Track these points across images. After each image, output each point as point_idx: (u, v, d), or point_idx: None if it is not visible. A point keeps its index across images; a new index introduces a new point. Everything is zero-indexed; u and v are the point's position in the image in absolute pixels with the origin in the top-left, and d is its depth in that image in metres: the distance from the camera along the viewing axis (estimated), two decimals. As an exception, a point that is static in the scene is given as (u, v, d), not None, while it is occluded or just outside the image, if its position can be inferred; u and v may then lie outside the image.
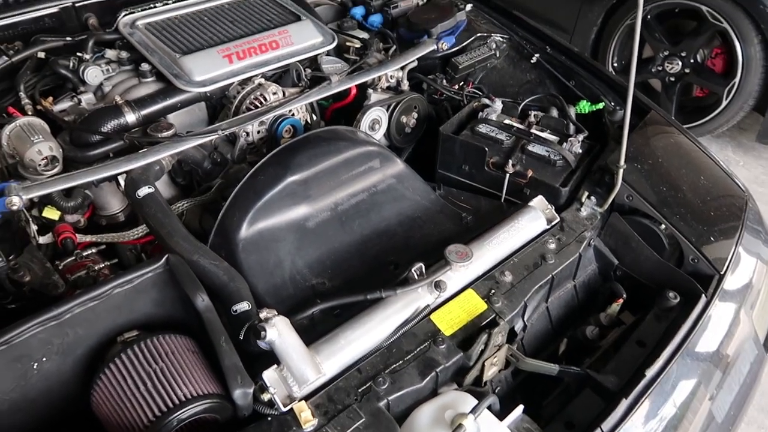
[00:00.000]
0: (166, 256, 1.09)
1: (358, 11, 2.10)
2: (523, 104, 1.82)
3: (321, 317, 1.21)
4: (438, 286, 1.21)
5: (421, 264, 1.23)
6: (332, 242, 1.38)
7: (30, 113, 1.48)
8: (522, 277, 1.30)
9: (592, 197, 1.51)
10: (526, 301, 1.28)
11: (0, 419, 0.99)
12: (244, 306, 1.15)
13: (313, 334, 1.13)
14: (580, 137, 1.64)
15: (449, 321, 1.19)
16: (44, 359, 1.02)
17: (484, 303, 1.24)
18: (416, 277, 1.22)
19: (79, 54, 1.60)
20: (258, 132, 1.58)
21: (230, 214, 1.31)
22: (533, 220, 1.41)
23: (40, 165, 1.32)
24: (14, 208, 1.18)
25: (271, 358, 1.07)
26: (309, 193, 1.37)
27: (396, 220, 1.46)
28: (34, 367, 1.01)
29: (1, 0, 1.71)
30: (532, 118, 1.72)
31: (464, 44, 1.95)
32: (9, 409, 1.00)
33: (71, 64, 1.59)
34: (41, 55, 1.63)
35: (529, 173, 1.54)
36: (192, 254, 1.19)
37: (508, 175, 1.55)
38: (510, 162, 1.55)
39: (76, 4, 1.76)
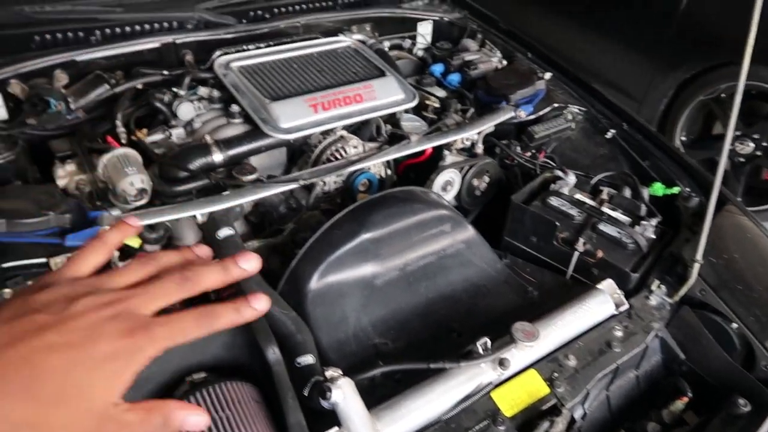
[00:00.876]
0: (243, 303, 1.12)
1: (438, 68, 2.15)
2: (595, 180, 1.81)
3: (382, 380, 1.21)
4: (502, 363, 1.20)
5: (487, 339, 1.22)
6: (398, 302, 1.39)
7: (124, 141, 1.56)
8: (586, 363, 1.28)
9: (662, 286, 1.48)
10: (589, 389, 1.25)
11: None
12: (308, 359, 1.17)
13: (373, 396, 1.13)
14: (654, 221, 1.62)
15: (510, 401, 1.18)
16: (117, 391, 1.05)
17: (547, 386, 1.22)
18: (481, 351, 1.21)
19: (174, 89, 1.69)
20: (335, 182, 1.63)
21: (303, 264, 1.34)
22: (601, 303, 1.39)
23: (130, 196, 1.39)
24: (105, 238, 1.24)
25: (329, 416, 1.07)
26: (380, 251, 1.39)
27: (462, 286, 1.47)
28: (108, 398, 1.04)
29: (109, 32, 1.83)
30: (604, 196, 1.71)
31: (541, 113, 1.97)
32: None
33: (166, 98, 1.67)
34: (139, 86, 1.73)
35: (599, 253, 1.52)
36: (264, 301, 1.22)
37: (577, 252, 1.54)
38: (581, 240, 1.54)
39: (176, 41, 1.86)
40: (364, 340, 1.32)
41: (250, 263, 0.70)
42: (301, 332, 1.21)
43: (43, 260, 1.20)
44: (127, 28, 1.86)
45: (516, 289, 1.51)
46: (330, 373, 1.08)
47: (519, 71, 2.08)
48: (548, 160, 1.90)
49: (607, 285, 1.43)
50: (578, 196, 1.70)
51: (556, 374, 1.24)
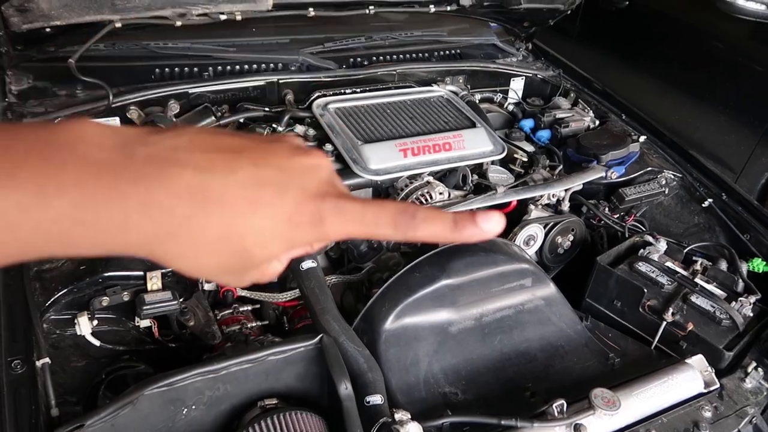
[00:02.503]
0: (321, 336, 1.14)
1: (527, 124, 2.16)
2: (688, 249, 1.73)
3: (449, 430, 1.18)
4: (578, 429, 1.14)
5: (563, 401, 1.17)
6: (471, 353, 1.36)
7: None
8: (669, 442, 1.20)
9: (760, 369, 1.37)
10: (671, 470, 1.17)
11: (142, 454, 1.06)
12: (377, 399, 1.16)
13: (439, 446, 1.11)
14: (752, 299, 1.52)
15: (583, 471, 1.12)
16: (193, 407, 1.08)
17: (625, 460, 1.15)
18: (556, 414, 1.16)
19: (274, 125, 1.78)
20: (417, 226, 1.64)
21: (380, 303, 1.35)
22: (689, 380, 1.31)
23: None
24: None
25: (393, 460, 1.06)
26: (458, 298, 1.37)
27: (538, 344, 1.42)
28: (184, 412, 1.08)
29: (220, 69, 1.97)
30: (697, 266, 1.62)
31: (633, 176, 1.92)
32: (151, 446, 1.07)
33: (265, 133, 1.76)
34: (241, 120, 1.84)
35: (690, 326, 1.44)
36: (339, 335, 1.23)
37: (665, 323, 1.46)
38: (670, 309, 1.46)
39: (280, 81, 1.98)
40: (434, 386, 1.30)
41: (490, 223, 0.50)
42: (373, 371, 1.21)
43: (140, 273, 1.28)
44: (237, 67, 2.00)
45: (596, 354, 1.45)
46: (399, 416, 1.07)
47: (612, 132, 2.04)
48: (638, 224, 1.84)
49: (697, 360, 1.34)
50: (669, 264, 1.63)
51: (635, 449, 1.17)
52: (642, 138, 2.04)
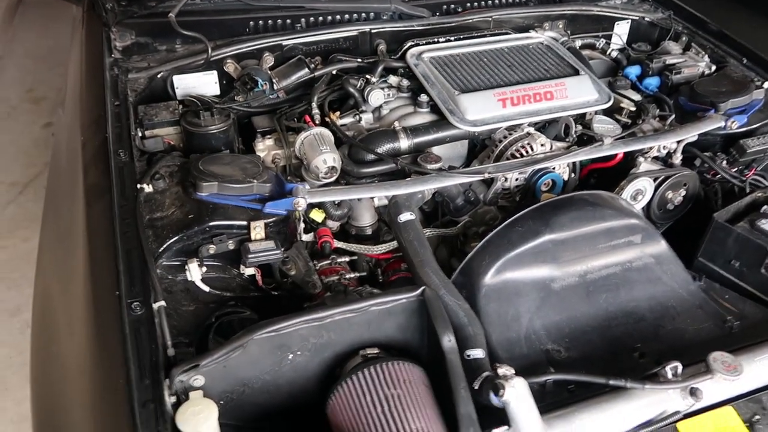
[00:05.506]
0: (423, 288, 1.12)
1: (633, 71, 2.01)
2: (818, 206, 1.56)
3: (553, 388, 1.15)
4: (694, 393, 1.08)
5: (678, 363, 1.11)
6: (574, 310, 1.31)
7: (317, 122, 1.65)
8: (797, 412, 1.11)
9: None
10: (798, 442, 1.08)
11: (251, 395, 1.10)
12: (478, 353, 1.14)
13: (542, 403, 1.07)
14: None
15: (699, 437, 1.06)
16: (298, 353, 1.11)
17: (746, 428, 1.07)
18: (670, 376, 1.10)
19: (367, 76, 1.75)
20: (516, 179, 1.58)
21: (480, 257, 1.31)
22: (821, 347, 1.20)
23: (322, 172, 1.46)
24: (299, 208, 1.33)
25: (496, 414, 1.04)
26: (562, 254, 1.32)
27: (647, 304, 1.35)
28: (289, 357, 1.10)
29: (312, 20, 1.95)
30: (830, 225, 1.47)
31: (756, 126, 1.75)
32: (260, 388, 1.11)
33: (359, 84, 1.74)
34: (334, 71, 1.82)
35: (821, 290, 1.32)
36: (439, 288, 1.22)
37: (791, 285, 1.34)
38: (797, 271, 1.34)
39: (372, 30, 1.93)
40: (535, 343, 1.26)
41: None
42: (473, 325, 1.19)
43: (244, 223, 1.31)
44: (329, 17, 1.97)
45: (711, 316, 1.36)
46: (503, 370, 1.04)
47: (731, 78, 1.86)
48: (760, 178, 1.68)
49: (830, 327, 1.23)
50: (796, 221, 1.48)
51: (757, 417, 1.09)
52: (767, 84, 1.85)
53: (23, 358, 1.43)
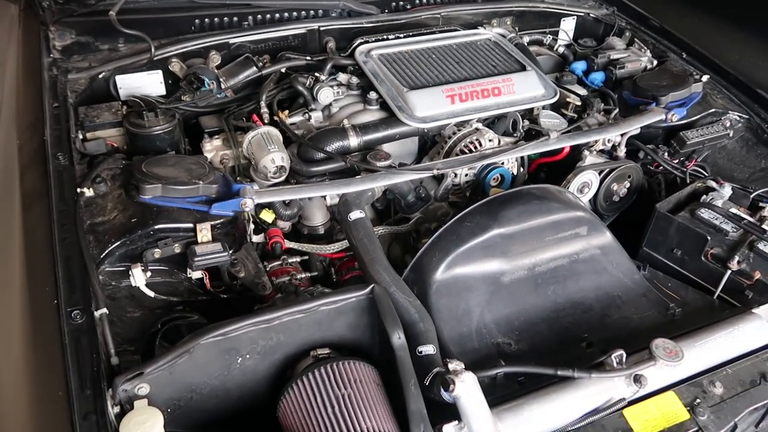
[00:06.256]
0: (372, 285, 1.12)
1: (579, 66, 2.05)
2: (754, 194, 1.63)
3: (503, 380, 1.17)
4: (638, 380, 1.11)
5: (623, 351, 1.14)
6: (524, 303, 1.33)
7: (266, 121, 1.63)
8: (735, 393, 1.15)
9: (833, 319, 1.30)
10: (737, 422, 1.12)
11: (199, 401, 1.08)
12: (429, 349, 1.15)
13: (493, 396, 1.09)
14: (826, 246, 1.42)
15: (643, 422, 1.09)
16: (247, 356, 1.09)
17: (687, 412, 1.11)
18: (615, 364, 1.13)
19: (316, 74, 1.73)
20: (466, 175, 1.59)
21: (430, 253, 1.32)
22: (757, 330, 1.25)
23: (270, 172, 1.44)
24: (247, 209, 1.30)
25: (447, 409, 1.05)
26: (510, 248, 1.34)
27: (593, 294, 1.38)
28: (238, 361, 1.09)
29: (259, 18, 1.92)
30: (765, 213, 1.53)
31: (695, 118, 1.81)
32: (208, 394, 1.09)
33: (308, 82, 1.72)
34: (283, 70, 1.80)
35: (756, 275, 1.37)
36: (390, 286, 1.22)
37: (729, 271, 1.39)
38: (735, 258, 1.39)
39: (321, 28, 1.92)
40: (486, 337, 1.28)
41: None
42: (424, 321, 1.20)
43: (190, 225, 1.28)
44: (277, 15, 1.94)
45: (655, 303, 1.40)
46: (453, 366, 1.05)
47: (672, 72, 1.92)
48: (699, 169, 1.74)
49: (765, 310, 1.28)
50: (734, 210, 1.54)
51: (698, 401, 1.12)
52: (705, 77, 1.91)
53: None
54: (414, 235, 1.60)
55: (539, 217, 1.36)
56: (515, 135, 1.67)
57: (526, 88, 1.71)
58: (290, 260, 1.44)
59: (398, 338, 1.07)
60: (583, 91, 1.91)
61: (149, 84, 1.75)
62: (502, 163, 1.60)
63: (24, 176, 1.36)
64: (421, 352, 1.14)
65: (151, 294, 1.23)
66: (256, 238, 1.48)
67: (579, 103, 1.80)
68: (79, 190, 1.29)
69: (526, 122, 1.68)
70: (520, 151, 1.55)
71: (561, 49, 2.16)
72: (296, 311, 1.08)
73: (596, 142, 1.68)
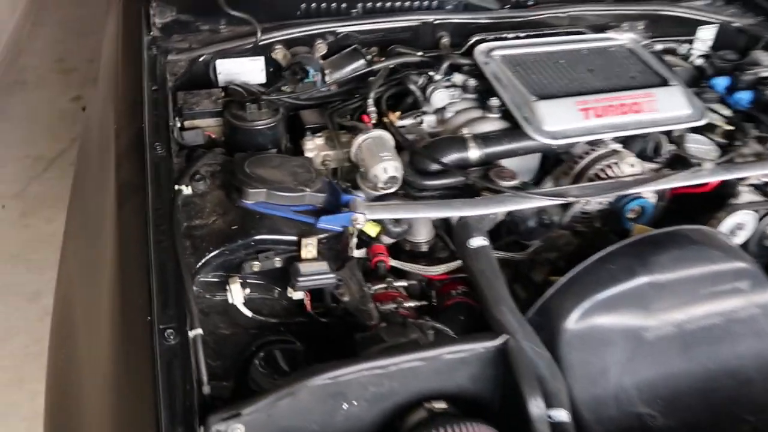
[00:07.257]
0: (506, 337, 0.95)
1: (722, 82, 1.79)
2: None
3: (650, 465, 0.98)
4: (826, 488, 0.90)
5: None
6: (670, 366, 1.13)
7: (374, 122, 1.48)
8: None
9: None
10: None
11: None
12: (562, 415, 0.98)
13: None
14: None
15: None
16: (354, 402, 0.95)
17: None
18: (795, 463, 0.92)
19: (431, 73, 1.57)
20: (600, 203, 1.39)
21: (561, 296, 1.14)
22: None
23: (381, 182, 1.29)
24: (358, 226, 1.16)
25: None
26: (659, 300, 1.14)
27: (754, 362, 1.16)
28: (344, 407, 0.94)
29: (369, 6, 1.77)
30: None
31: None
32: (304, 440, 0.95)
33: (421, 81, 1.56)
34: (392, 65, 1.64)
35: None
36: (516, 332, 1.05)
37: None
38: None
39: (435, 21, 1.75)
40: (626, 404, 1.09)
41: None
42: (555, 380, 1.02)
43: (294, 238, 1.15)
44: (387, 4, 1.79)
45: (830, 381, 1.17)
46: (600, 446, 0.87)
47: (842, 97, 1.65)
48: None
49: None
50: None
51: None
52: None
53: (41, 347, 1.30)
54: (530, 265, 1.42)
55: (696, 265, 1.15)
56: (657, 160, 1.45)
57: (670, 106, 1.49)
58: (396, 284, 1.28)
59: (537, 408, 0.90)
60: (727, 112, 1.67)
61: (250, 71, 1.63)
62: (642, 194, 1.39)
63: (120, 165, 1.26)
64: (551, 418, 0.97)
65: (249, 314, 1.10)
66: (357, 253, 1.33)
67: (729, 128, 1.56)
68: (177, 187, 1.17)
69: (672, 146, 1.46)
70: (669, 182, 1.34)
71: (698, 61, 1.91)
72: (417, 358, 0.93)
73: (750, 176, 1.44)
